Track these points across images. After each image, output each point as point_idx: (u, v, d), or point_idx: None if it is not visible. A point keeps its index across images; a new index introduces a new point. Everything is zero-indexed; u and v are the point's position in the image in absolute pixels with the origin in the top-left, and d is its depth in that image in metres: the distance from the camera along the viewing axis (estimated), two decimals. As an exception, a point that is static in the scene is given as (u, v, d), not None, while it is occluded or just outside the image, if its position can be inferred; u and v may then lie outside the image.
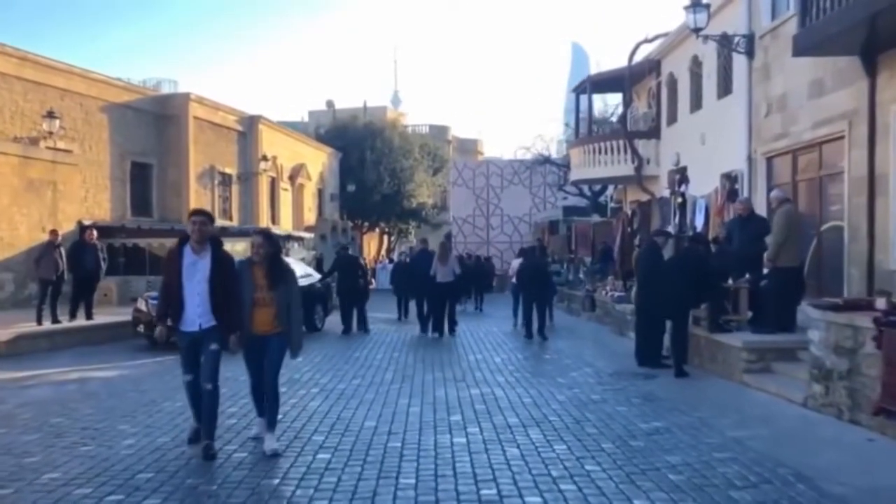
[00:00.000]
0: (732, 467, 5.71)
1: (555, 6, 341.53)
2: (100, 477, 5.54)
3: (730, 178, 15.58)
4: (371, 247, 46.86)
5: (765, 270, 10.53)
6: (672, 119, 19.95)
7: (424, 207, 44.63)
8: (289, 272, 6.45)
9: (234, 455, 6.11)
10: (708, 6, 14.47)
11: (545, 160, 35.49)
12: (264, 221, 29.71)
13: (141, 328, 13.41)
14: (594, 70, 38.91)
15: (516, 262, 17.66)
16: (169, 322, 6.20)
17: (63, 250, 14.58)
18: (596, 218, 29.11)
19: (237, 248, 13.00)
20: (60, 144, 20.93)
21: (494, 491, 5.23)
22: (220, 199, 28.75)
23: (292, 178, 34.85)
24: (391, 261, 38.12)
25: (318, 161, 38.13)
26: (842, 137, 11.33)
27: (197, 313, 6.07)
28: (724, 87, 16.33)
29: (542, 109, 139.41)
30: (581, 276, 23.59)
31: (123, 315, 14.98)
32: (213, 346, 6.09)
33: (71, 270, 14.66)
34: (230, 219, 28.56)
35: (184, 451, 6.21)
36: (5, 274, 18.04)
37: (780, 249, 9.94)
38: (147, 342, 12.93)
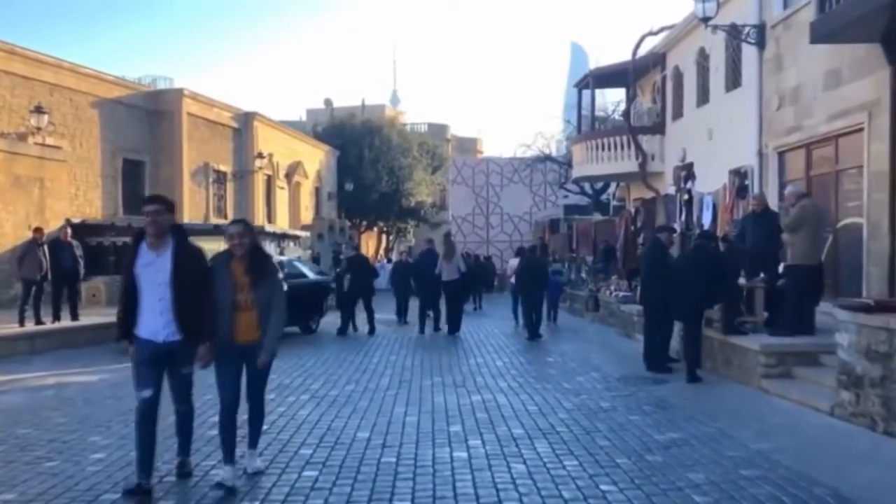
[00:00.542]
0: (763, 487, 5.14)
1: (554, 6, 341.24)
2: (60, 499, 4.99)
3: (739, 174, 15.04)
4: (369, 246, 46.28)
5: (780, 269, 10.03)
6: (678, 114, 19.42)
7: (423, 206, 44.10)
8: (273, 267, 5.57)
9: (212, 472, 5.54)
10: (717, -5, 13.94)
11: (546, 158, 34.95)
12: (260, 220, 29.14)
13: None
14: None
15: (514, 262, 17.39)
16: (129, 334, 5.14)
17: (46, 249, 14.04)
18: (597, 216, 28.63)
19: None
20: (50, 140, 20.41)
21: (499, 515, 4.69)
22: (215, 197, 28.23)
23: (289, 176, 34.30)
24: (389, 260, 37.60)
25: (315, 159, 37.58)
26: (860, 130, 10.83)
27: (159, 324, 4.97)
28: (733, 80, 15.81)
29: (540, 109, 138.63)
30: (583, 275, 23.07)
31: (110, 316, 14.36)
32: (184, 370, 5.15)
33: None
34: (225, 217, 27.98)
35: (157, 468, 5.64)
36: (-10, 273, 17.48)
37: (796, 242, 9.37)
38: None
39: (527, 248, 17.71)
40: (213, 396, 6.90)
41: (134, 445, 5.14)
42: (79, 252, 14.85)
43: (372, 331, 15.76)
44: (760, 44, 13.97)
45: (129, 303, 5.07)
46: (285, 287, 5.88)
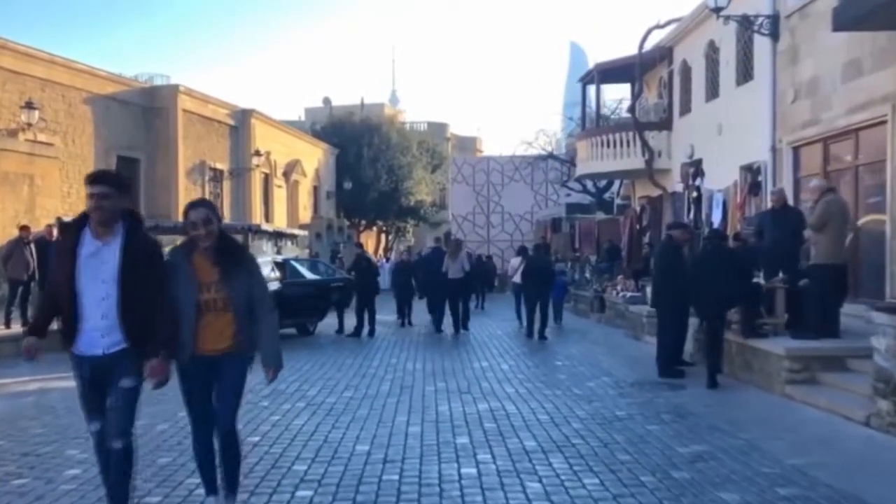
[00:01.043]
0: (808, 510, 4.65)
1: (553, 6, 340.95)
2: (25, 524, 4.48)
3: (751, 171, 14.56)
4: (368, 245, 45.75)
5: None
6: (685, 109, 18.93)
7: (423, 205, 43.56)
8: (247, 257, 4.63)
9: (196, 492, 5.03)
10: (729, -16, 13.43)
11: (548, 155, 34.44)
12: (258, 218, 28.62)
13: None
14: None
15: (515, 261, 16.96)
16: (58, 340, 4.13)
17: (34, 248, 13.53)
18: (600, 215, 28.12)
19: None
20: (41, 137, 19.85)
21: (516, 543, 4.18)
22: (212, 195, 27.62)
23: (287, 174, 33.75)
24: (387, 259, 37.06)
25: (313, 157, 37.04)
26: (883, 122, 10.39)
27: (100, 330, 4.03)
28: (745, 74, 15.32)
29: (540, 109, 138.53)
30: (587, 275, 22.58)
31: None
32: (126, 382, 4.04)
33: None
34: (221, 215, 27.50)
35: (135, 487, 5.12)
36: (-24, 274, 16.95)
37: (820, 240, 8.86)
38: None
39: (531, 248, 17.28)
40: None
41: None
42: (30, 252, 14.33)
43: (372, 332, 15.33)
44: (774, 35, 13.49)
45: (60, 302, 4.08)
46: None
